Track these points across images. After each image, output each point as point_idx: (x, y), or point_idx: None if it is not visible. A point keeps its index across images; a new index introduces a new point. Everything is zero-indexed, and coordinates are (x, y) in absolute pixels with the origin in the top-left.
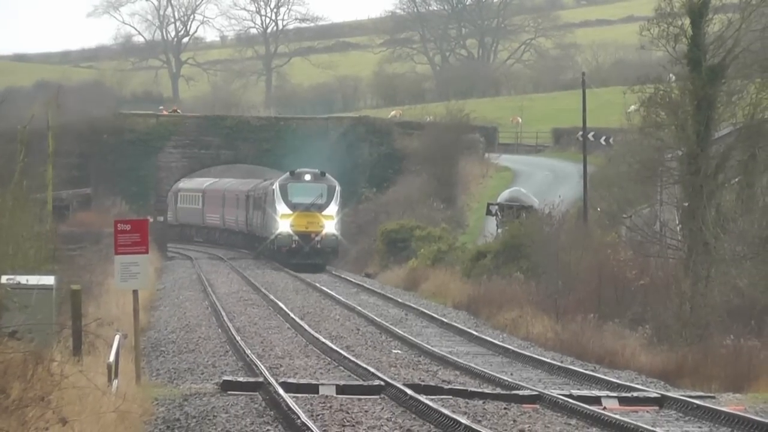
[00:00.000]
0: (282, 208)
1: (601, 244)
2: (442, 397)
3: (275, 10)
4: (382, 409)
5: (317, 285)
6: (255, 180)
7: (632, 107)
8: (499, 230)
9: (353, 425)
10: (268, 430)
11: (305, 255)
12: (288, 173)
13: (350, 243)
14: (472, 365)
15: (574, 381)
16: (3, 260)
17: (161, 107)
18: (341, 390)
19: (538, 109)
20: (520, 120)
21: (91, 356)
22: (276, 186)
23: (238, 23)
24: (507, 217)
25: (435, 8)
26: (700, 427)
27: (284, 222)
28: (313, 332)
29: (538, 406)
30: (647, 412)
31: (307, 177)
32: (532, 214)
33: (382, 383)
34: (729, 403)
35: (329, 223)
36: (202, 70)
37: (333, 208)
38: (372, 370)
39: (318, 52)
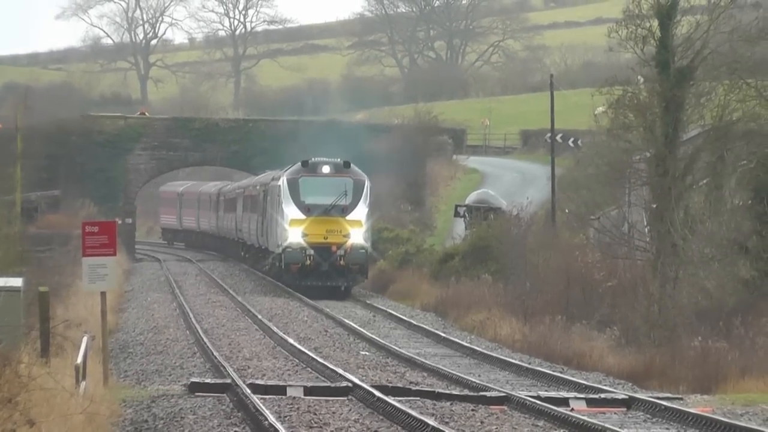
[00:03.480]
0: (291, 211)
1: (569, 246)
2: (409, 398)
3: (244, 12)
4: (350, 410)
5: (284, 287)
6: (253, 177)
7: (600, 109)
8: (467, 232)
9: (321, 426)
10: (235, 431)
11: (323, 275)
12: (299, 164)
13: None
14: (440, 367)
15: (541, 382)
16: None
17: (140, 110)
18: (309, 391)
19: (506, 111)
20: (488, 122)
21: (59, 358)
22: (283, 181)
23: (206, 25)
24: (475, 219)
25: (403, 10)
26: (667, 429)
27: (294, 231)
28: (281, 334)
29: (505, 407)
30: (615, 413)
31: (326, 169)
32: (500, 215)
33: (350, 385)
34: (697, 405)
35: (356, 232)
36: (171, 72)
37: (361, 211)
38: (340, 371)
39: (286, 54)
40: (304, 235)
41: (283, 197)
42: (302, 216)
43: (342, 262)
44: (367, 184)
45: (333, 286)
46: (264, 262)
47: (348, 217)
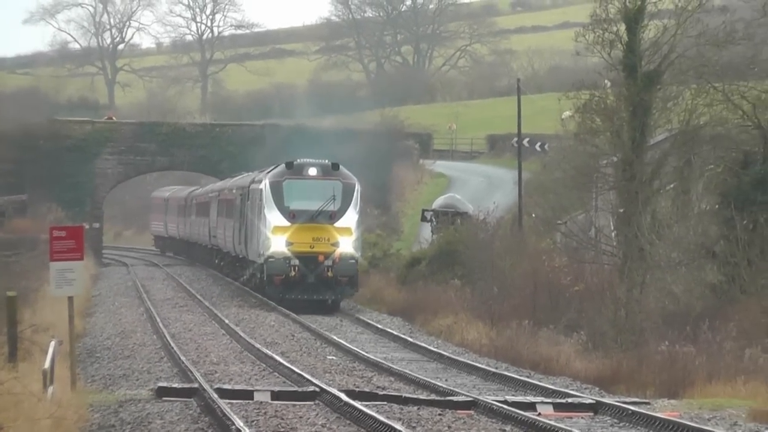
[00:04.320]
0: (274, 217)
1: (536, 251)
2: (376, 403)
3: (211, 16)
4: (317, 415)
5: (251, 292)
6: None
7: (567, 113)
8: (434, 236)
9: (288, 431)
10: None
11: (309, 288)
12: (282, 165)
13: None
14: (407, 371)
15: (508, 387)
16: None
17: (107, 114)
18: (276, 396)
19: (473, 116)
20: (455, 126)
21: (27, 363)
22: (265, 184)
23: (173, 30)
24: (442, 224)
25: (370, 15)
26: None
27: (278, 239)
28: (248, 338)
29: (472, 412)
30: (582, 418)
31: (313, 171)
32: (467, 220)
33: (317, 389)
34: (664, 409)
35: (345, 240)
36: (138, 76)
37: (351, 217)
38: (307, 376)
39: (254, 58)
40: (289, 243)
41: (265, 202)
42: (286, 223)
43: (330, 274)
44: (357, 187)
45: (320, 300)
46: (242, 272)
47: (336, 224)
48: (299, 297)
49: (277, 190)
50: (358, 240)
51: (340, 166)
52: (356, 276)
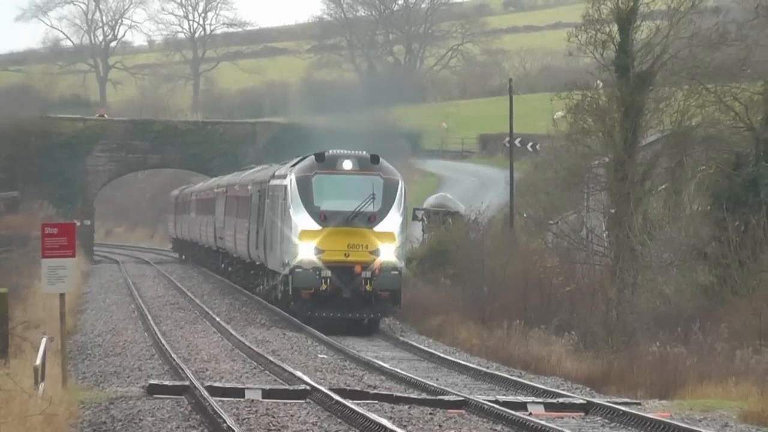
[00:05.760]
0: (302, 219)
1: (527, 251)
2: (367, 401)
3: (203, 14)
4: (308, 413)
5: (242, 290)
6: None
7: (559, 113)
8: (425, 236)
9: (279, 429)
10: None
11: (343, 305)
12: (311, 157)
13: None
14: (398, 370)
15: (499, 387)
16: None
17: (99, 112)
18: (267, 394)
19: (464, 115)
20: (446, 126)
21: (18, 359)
22: (291, 180)
23: (166, 28)
24: (433, 223)
25: (362, 14)
26: None
27: (306, 246)
28: (239, 336)
29: (463, 411)
30: (573, 418)
31: (348, 164)
32: (458, 219)
33: (308, 387)
34: (655, 410)
35: (387, 248)
36: (130, 74)
37: (394, 220)
38: (298, 374)
39: (246, 56)
40: (319, 251)
41: (290, 201)
42: (316, 226)
43: (368, 288)
44: (401, 185)
45: (356, 319)
46: (258, 282)
47: (376, 229)
48: (331, 315)
49: (305, 186)
50: (402, 247)
51: (381, 159)
52: (399, 290)
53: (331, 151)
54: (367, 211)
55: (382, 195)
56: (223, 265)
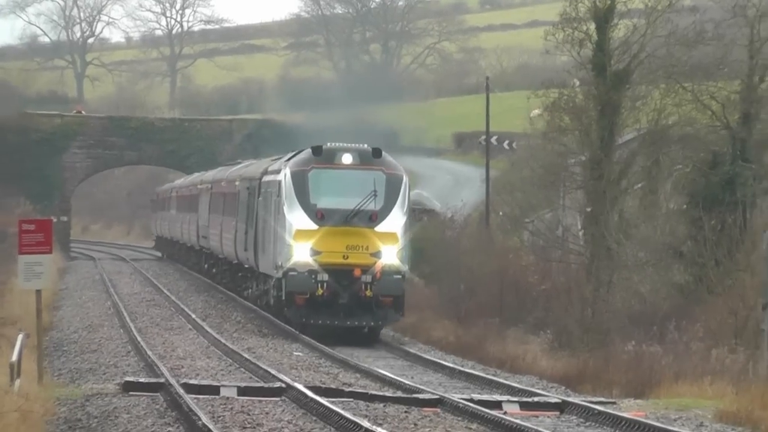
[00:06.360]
0: (297, 218)
1: (503, 249)
2: (342, 399)
3: (180, 11)
4: (283, 411)
5: (218, 287)
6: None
7: (536, 112)
8: None
9: (254, 427)
10: (169, 431)
11: (342, 311)
12: (308, 150)
13: None
14: (373, 368)
15: (475, 385)
16: None
17: (76, 108)
18: (242, 391)
19: (440, 114)
20: (423, 124)
21: None
22: (286, 175)
23: (143, 24)
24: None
25: (340, 11)
26: None
27: (301, 247)
28: (214, 334)
29: (438, 409)
30: (548, 417)
31: (347, 158)
32: (434, 217)
33: (283, 385)
34: (630, 409)
35: (389, 250)
36: (107, 70)
37: (397, 219)
38: (273, 372)
39: (223, 54)
40: (315, 252)
41: (284, 198)
42: (313, 225)
43: (368, 293)
44: (405, 181)
45: (354, 327)
46: (246, 285)
47: (378, 229)
48: (328, 322)
49: (300, 182)
50: (406, 249)
51: (383, 153)
52: (403, 296)
53: (329, 144)
54: (368, 210)
55: (384, 192)
56: (206, 266)
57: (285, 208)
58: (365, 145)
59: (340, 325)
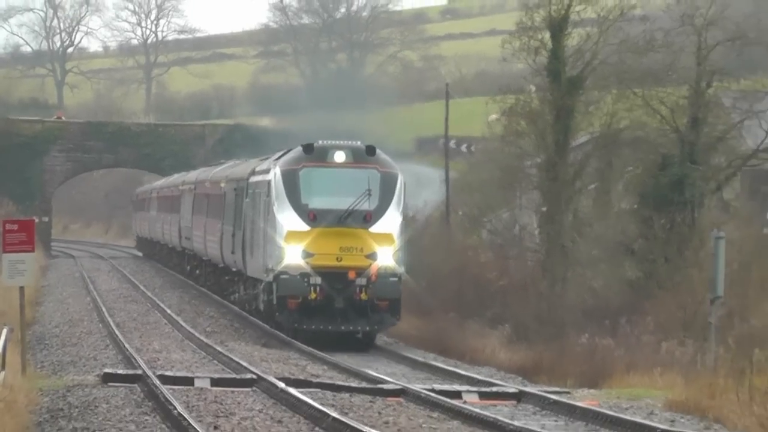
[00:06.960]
0: (288, 218)
1: (462, 247)
2: (311, 390)
3: (155, 22)
4: (254, 401)
5: (190, 283)
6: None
7: (494, 116)
8: None
9: (227, 416)
10: (146, 420)
11: (335, 315)
12: (299, 148)
13: None
14: (339, 361)
15: (436, 376)
16: None
17: (57, 114)
18: (215, 382)
19: (402, 119)
20: (385, 129)
21: None
22: (276, 174)
23: (120, 34)
24: None
25: (307, 21)
26: (556, 421)
27: (293, 249)
28: (189, 328)
29: (402, 399)
30: (506, 406)
31: (340, 156)
32: None
33: (255, 376)
34: (584, 398)
35: (385, 251)
36: (86, 78)
37: (393, 219)
38: (245, 364)
39: (196, 62)
40: (308, 254)
41: (275, 198)
42: (305, 227)
43: (363, 296)
44: (400, 179)
45: (349, 332)
46: (232, 289)
47: (373, 229)
48: (321, 327)
49: (291, 181)
50: (402, 251)
51: (378, 150)
52: (399, 300)
53: (320, 142)
54: (363, 210)
55: (379, 191)
56: (189, 267)
57: (275, 209)
58: (358, 143)
59: (334, 330)
